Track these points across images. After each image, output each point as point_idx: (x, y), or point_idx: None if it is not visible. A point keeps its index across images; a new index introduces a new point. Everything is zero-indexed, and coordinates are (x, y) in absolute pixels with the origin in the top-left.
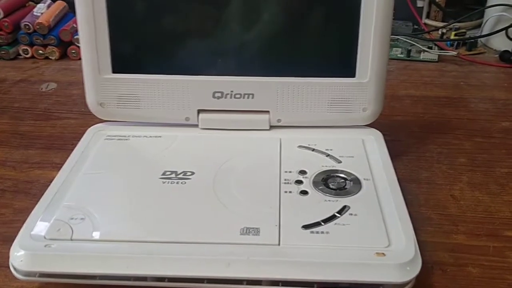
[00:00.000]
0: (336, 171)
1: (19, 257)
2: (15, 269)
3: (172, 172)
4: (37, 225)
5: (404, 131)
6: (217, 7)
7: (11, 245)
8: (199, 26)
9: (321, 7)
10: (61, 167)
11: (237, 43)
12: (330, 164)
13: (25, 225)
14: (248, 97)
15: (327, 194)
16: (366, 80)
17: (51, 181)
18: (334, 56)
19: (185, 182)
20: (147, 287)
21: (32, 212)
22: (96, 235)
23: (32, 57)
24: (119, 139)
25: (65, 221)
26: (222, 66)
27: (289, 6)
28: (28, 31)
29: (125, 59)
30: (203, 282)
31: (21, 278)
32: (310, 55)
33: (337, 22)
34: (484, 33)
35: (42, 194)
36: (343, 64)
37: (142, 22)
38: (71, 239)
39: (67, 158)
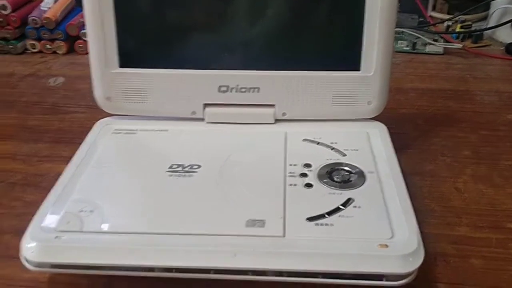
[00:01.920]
0: (341, 164)
1: (31, 248)
2: (26, 260)
3: (178, 165)
4: (48, 217)
5: (409, 124)
6: (223, 1)
7: (22, 237)
8: (205, 21)
9: (326, 1)
10: (70, 160)
11: (243, 37)
12: (335, 157)
13: (35, 217)
14: (253, 91)
15: (332, 187)
16: (371, 74)
17: (60, 175)
18: (339, 50)
19: (192, 175)
20: (155, 277)
21: (42, 204)
22: (105, 227)
23: (40, 51)
24: (126, 133)
25: (74, 213)
26: (227, 60)
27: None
28: (36, 26)
29: (132, 54)
30: (209, 273)
31: (33, 269)
32: (315, 49)
33: (342, 16)
34: (490, 25)
35: (52, 187)
36: (348, 57)
37: (149, 16)
38: (81, 231)
39: (75, 151)
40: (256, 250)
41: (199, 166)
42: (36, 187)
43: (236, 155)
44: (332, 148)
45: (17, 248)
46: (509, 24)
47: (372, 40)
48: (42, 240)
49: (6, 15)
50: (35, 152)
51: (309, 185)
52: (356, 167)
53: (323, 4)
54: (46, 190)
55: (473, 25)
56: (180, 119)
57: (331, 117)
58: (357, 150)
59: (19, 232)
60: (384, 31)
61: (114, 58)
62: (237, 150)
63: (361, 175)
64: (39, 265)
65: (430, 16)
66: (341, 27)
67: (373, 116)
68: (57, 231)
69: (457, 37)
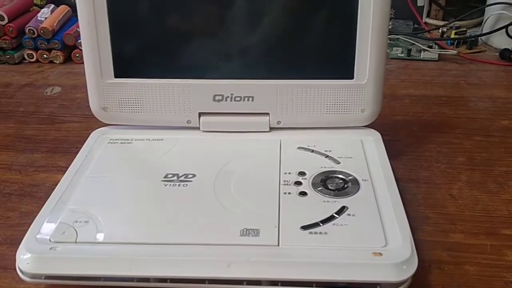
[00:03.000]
0: (335, 172)
1: (25, 260)
2: (21, 271)
3: (174, 174)
4: (43, 228)
5: (403, 131)
6: (217, 11)
7: (17, 248)
8: (199, 31)
9: (319, 10)
10: (65, 170)
11: (237, 47)
12: (329, 165)
13: (30, 228)
14: (248, 100)
15: (326, 195)
16: (364, 82)
17: (56, 184)
18: (333, 58)
19: (187, 185)
20: None
21: (38, 215)
22: (100, 237)
23: (37, 61)
24: (122, 143)
25: (69, 224)
26: (222, 69)
27: (287, 9)
28: (33, 36)
29: (127, 64)
30: (204, 283)
31: (28, 280)
32: (309, 57)
33: (335, 25)
34: (484, 31)
35: (48, 197)
36: (341, 66)
37: (143, 27)
38: (76, 242)
39: (71, 161)
40: (250, 259)
41: (194, 175)
42: (32, 197)
43: (231, 164)
44: (326, 156)
45: (12, 259)
46: (504, 30)
47: (365, 49)
48: (37, 252)
49: (3, 25)
50: (31, 162)
51: (303, 193)
52: (350, 175)
53: (316, 13)
54: (42, 200)
55: (467, 31)
56: (176, 128)
57: (325, 125)
58: (351, 158)
59: (15, 242)
60: (376, 40)
61: (109, 68)
62: (232, 159)
63: (355, 183)
64: (34, 276)
65: (425, 23)
66: (334, 36)
67: (367, 123)
68: (52, 242)
69: (452, 43)
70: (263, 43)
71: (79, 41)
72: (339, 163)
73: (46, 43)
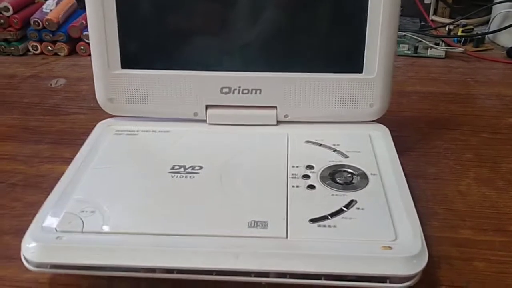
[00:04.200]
0: (343, 166)
1: (31, 248)
2: (27, 260)
3: (180, 166)
4: (48, 217)
5: (411, 127)
6: (225, 3)
7: (22, 237)
8: (207, 22)
9: (328, 3)
10: (71, 161)
11: (245, 39)
12: (337, 159)
13: (36, 217)
14: (255, 93)
15: (334, 189)
16: (373, 76)
17: (61, 175)
18: (342, 52)
19: (194, 176)
20: (156, 278)
21: (43, 205)
22: (106, 227)
23: (42, 53)
24: (128, 134)
25: (75, 214)
26: (229, 61)
27: (297, 1)
28: (38, 28)
29: (134, 55)
30: (211, 274)
31: (33, 270)
32: (317, 50)
33: (344, 18)
34: (491, 29)
35: (53, 188)
36: (350, 59)
37: (151, 18)
38: (82, 232)
39: (76, 152)
40: (258, 251)
41: (201, 167)
42: (37, 188)
43: (238, 157)
44: (335, 150)
45: (17, 249)
46: (511, 28)
47: (374, 42)
48: (43, 240)
49: (8, 16)
50: (36, 153)
51: (311, 187)
52: (359, 169)
53: (326, 6)
54: (46, 191)
55: (474, 29)
56: (182, 120)
57: (333, 119)
58: (360, 152)
59: (20, 232)
60: (386, 33)
61: (116, 59)
62: (239, 152)
63: (363, 177)
64: (40, 265)
65: (432, 20)
66: (343, 29)
67: (375, 118)
68: (58, 232)
69: (459, 41)
70: (271, 35)
71: (84, 33)
72: (347, 157)
73: (51, 35)
